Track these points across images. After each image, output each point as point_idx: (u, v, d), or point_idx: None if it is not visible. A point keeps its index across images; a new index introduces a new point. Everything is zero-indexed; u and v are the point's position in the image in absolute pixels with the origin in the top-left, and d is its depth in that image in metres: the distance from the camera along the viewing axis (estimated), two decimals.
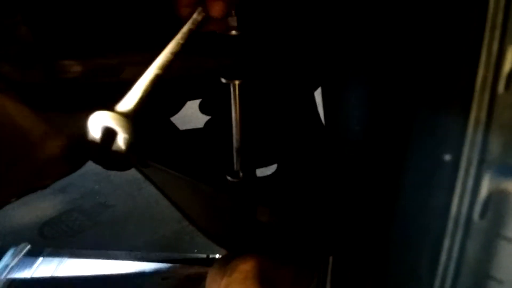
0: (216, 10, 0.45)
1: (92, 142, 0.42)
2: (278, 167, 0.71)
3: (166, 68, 0.41)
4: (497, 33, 0.30)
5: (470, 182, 0.33)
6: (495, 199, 0.32)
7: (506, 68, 0.30)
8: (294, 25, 0.60)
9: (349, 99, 0.53)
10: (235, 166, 0.59)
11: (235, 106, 0.54)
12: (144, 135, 0.67)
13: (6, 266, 1.05)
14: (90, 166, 0.69)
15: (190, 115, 0.77)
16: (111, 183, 1.51)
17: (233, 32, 0.48)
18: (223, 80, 0.52)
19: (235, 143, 0.57)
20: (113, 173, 0.72)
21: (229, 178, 0.59)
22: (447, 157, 0.35)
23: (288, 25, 0.58)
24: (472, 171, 0.33)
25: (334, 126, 0.62)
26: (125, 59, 0.46)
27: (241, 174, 0.60)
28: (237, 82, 0.51)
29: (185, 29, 0.43)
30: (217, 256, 1.06)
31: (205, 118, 0.73)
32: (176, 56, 0.41)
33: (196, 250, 1.23)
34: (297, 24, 0.60)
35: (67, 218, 1.46)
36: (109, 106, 0.56)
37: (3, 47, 0.45)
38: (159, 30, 0.48)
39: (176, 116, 0.77)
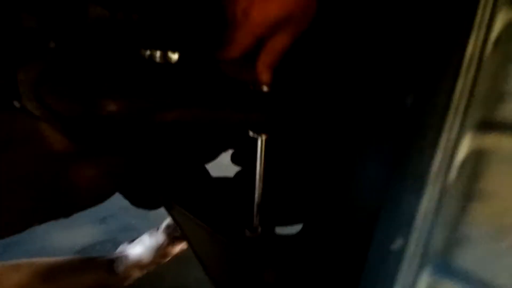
0: (264, 78, 0.48)
1: None
2: (303, 227, 0.69)
3: None
4: None
5: None
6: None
7: None
8: (325, 84, 0.60)
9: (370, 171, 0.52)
10: (254, 221, 0.59)
11: (260, 160, 0.54)
12: (174, 177, 0.69)
13: None
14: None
15: (227, 164, 0.78)
16: (148, 220, 1.53)
17: (265, 88, 0.49)
18: (251, 134, 0.52)
19: (256, 198, 0.57)
20: (152, 211, 0.75)
21: (247, 232, 0.59)
22: None
23: (319, 83, 0.58)
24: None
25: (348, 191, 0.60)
26: (158, 103, 0.48)
27: (259, 230, 0.59)
28: (264, 137, 0.52)
29: None
30: None
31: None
32: None
33: None
34: (328, 83, 0.61)
35: (101, 248, 1.49)
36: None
37: (51, 78, 0.49)
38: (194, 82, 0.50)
39: (214, 162, 0.78)
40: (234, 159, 0.71)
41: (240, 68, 0.51)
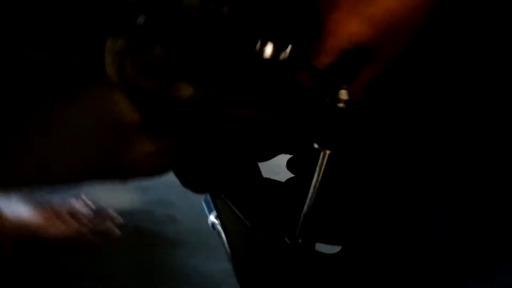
0: (357, 94, 0.48)
1: None
2: (343, 249, 0.68)
3: None
4: None
5: None
6: None
7: None
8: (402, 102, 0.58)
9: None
10: (297, 230, 0.58)
11: (319, 173, 0.53)
12: (226, 168, 0.70)
13: None
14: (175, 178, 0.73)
15: (282, 166, 0.78)
16: (187, 199, 1.56)
17: (340, 105, 0.48)
18: (316, 146, 0.52)
19: (305, 208, 0.56)
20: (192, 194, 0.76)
21: (287, 240, 0.58)
22: None
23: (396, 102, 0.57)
24: None
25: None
26: (232, 96, 0.48)
27: (300, 240, 0.58)
28: (328, 152, 0.51)
29: None
30: None
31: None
32: None
33: None
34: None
35: (138, 218, 1.54)
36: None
37: (136, 54, 0.50)
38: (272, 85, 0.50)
39: (268, 163, 0.78)
40: (290, 166, 0.70)
41: (315, 82, 0.50)
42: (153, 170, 0.59)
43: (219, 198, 0.66)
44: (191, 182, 0.73)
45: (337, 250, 0.67)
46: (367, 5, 0.43)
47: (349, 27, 0.44)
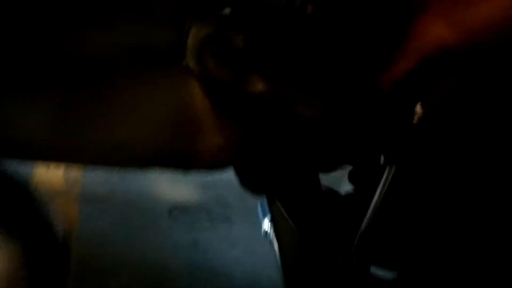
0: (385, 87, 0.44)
1: None
2: (399, 276, 0.63)
3: None
4: None
5: None
6: None
7: None
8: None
9: None
10: (352, 248, 0.54)
11: (382, 189, 0.50)
12: (286, 174, 0.68)
13: None
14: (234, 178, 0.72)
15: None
16: (245, 200, 1.56)
17: (414, 120, 0.45)
18: (382, 160, 0.48)
19: (363, 226, 0.53)
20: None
21: (341, 257, 0.55)
22: None
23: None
24: None
25: None
26: (302, 96, 0.47)
27: (354, 259, 0.55)
28: (394, 168, 0.48)
29: None
30: None
31: None
32: None
33: None
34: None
35: (194, 212, 1.56)
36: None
37: (218, 44, 0.50)
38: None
39: None
40: (351, 177, 0.67)
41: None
42: (216, 162, 0.59)
43: (274, 204, 0.64)
44: (249, 182, 0.71)
45: (393, 277, 0.63)
46: (463, 10, 0.40)
47: (436, 30, 0.41)
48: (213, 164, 0.57)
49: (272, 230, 0.73)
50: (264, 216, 0.89)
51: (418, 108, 0.44)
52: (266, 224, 1.17)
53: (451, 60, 0.42)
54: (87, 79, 0.50)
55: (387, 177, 0.49)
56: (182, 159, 0.55)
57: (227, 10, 0.55)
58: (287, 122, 0.54)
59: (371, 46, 0.46)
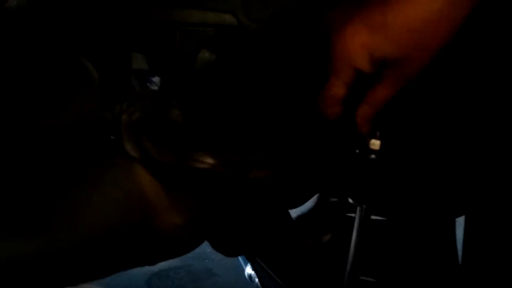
0: (363, 131, 0.43)
1: None
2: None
3: None
4: None
5: None
6: None
7: None
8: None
9: None
10: None
11: (357, 230, 0.49)
12: (258, 227, 0.67)
13: None
14: None
15: None
16: None
17: (372, 156, 0.45)
18: (351, 201, 0.48)
19: (348, 268, 0.52)
20: None
21: None
22: None
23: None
24: None
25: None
26: (253, 161, 0.46)
27: None
28: (364, 206, 0.48)
29: None
30: None
31: None
32: None
33: None
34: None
35: (174, 275, 1.50)
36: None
37: (152, 126, 0.49)
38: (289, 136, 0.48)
39: None
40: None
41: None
42: (187, 243, 0.56)
43: (254, 262, 0.63)
44: (222, 247, 0.70)
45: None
46: (381, 14, 0.37)
47: (360, 39, 0.38)
48: (183, 246, 0.55)
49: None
50: (246, 263, 0.87)
51: (375, 145, 0.44)
52: (249, 269, 1.14)
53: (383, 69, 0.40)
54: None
55: (359, 217, 0.48)
56: (147, 254, 0.52)
57: (156, 79, 0.54)
58: (243, 187, 0.54)
59: (303, 74, 0.45)
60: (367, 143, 0.46)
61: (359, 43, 0.38)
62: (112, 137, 0.50)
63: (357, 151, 0.46)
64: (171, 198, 0.52)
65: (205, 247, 1.63)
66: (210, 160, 0.45)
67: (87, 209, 0.48)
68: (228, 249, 0.67)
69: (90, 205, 0.49)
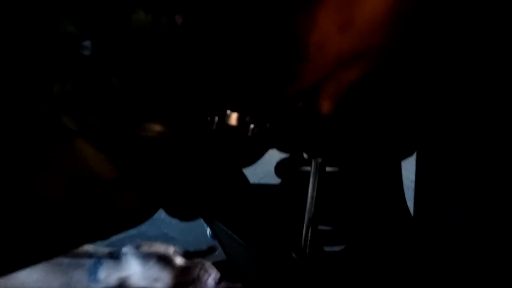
0: (326, 108, 0.44)
1: None
2: (347, 246, 0.65)
3: None
4: None
5: None
6: None
7: None
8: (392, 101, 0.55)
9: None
10: (303, 242, 0.55)
11: (313, 182, 0.50)
12: (212, 188, 0.66)
13: None
14: None
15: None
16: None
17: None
18: (305, 156, 0.48)
19: (307, 219, 0.53)
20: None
21: (294, 254, 0.55)
22: None
23: (385, 102, 0.54)
24: None
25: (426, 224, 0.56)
26: (204, 122, 0.44)
27: (307, 251, 0.55)
28: (319, 160, 0.48)
29: None
30: None
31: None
32: None
33: None
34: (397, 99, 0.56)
35: (130, 243, 1.49)
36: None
37: (91, 96, 0.45)
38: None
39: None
40: (278, 172, 0.67)
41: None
42: (141, 214, 0.55)
43: (212, 225, 0.62)
44: (177, 212, 0.69)
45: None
46: (349, 12, 0.38)
47: (333, 38, 0.39)
48: (137, 218, 0.53)
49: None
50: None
51: (325, 106, 0.44)
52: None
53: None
54: None
55: (314, 170, 0.49)
56: (101, 229, 0.50)
57: (87, 44, 0.50)
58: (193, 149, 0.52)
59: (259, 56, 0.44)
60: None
61: (332, 47, 0.39)
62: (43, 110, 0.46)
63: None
64: (119, 169, 0.49)
65: (158, 212, 1.62)
66: (158, 128, 0.43)
67: (30, 195, 0.45)
68: (184, 214, 0.66)
69: (32, 190, 0.45)
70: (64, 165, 0.47)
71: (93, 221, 0.49)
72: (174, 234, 1.50)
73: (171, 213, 0.67)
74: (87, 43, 0.51)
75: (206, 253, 1.04)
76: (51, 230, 0.46)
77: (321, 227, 0.60)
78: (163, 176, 0.53)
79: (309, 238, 0.54)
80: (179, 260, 0.98)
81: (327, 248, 0.63)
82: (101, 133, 0.45)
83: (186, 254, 1.02)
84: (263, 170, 0.87)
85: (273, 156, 0.68)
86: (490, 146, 0.48)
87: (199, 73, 0.47)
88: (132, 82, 0.45)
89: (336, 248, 0.65)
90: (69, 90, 0.46)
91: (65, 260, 0.92)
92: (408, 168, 0.73)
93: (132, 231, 1.45)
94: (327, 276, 0.56)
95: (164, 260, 0.96)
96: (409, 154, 0.67)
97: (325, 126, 0.46)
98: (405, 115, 0.57)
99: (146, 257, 0.95)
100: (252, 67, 0.45)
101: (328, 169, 0.55)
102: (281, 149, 0.60)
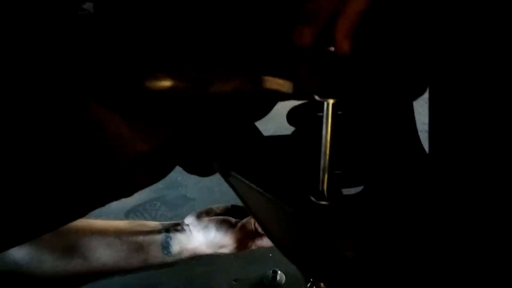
0: (344, 47, 0.43)
1: None
2: (365, 187, 0.65)
3: None
4: None
5: None
6: None
7: None
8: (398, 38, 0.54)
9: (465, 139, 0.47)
10: (321, 186, 0.55)
11: (327, 125, 0.50)
12: (227, 141, 0.66)
13: None
14: None
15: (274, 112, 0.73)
16: (194, 176, 1.53)
17: (332, 48, 0.44)
18: (317, 98, 0.48)
19: (322, 163, 0.53)
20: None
21: (313, 198, 0.56)
22: None
23: (393, 38, 0.52)
24: None
25: (442, 157, 0.56)
26: (215, 73, 0.43)
27: (326, 195, 0.56)
28: (331, 101, 0.47)
29: None
30: None
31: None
32: None
33: (271, 255, 1.22)
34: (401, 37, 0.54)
35: (150, 207, 1.52)
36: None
37: (100, 54, 0.45)
38: (254, 47, 0.45)
39: None
40: (291, 120, 0.67)
41: None
42: (158, 170, 0.55)
43: (230, 176, 0.63)
44: (195, 167, 0.69)
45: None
46: None
47: None
48: (155, 174, 0.53)
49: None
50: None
51: (344, 46, 0.43)
52: None
53: None
54: None
55: (326, 112, 0.48)
56: (121, 187, 0.51)
57: (87, 6, 0.49)
58: (207, 103, 0.52)
59: None
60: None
61: None
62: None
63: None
64: (132, 127, 0.49)
65: (176, 176, 1.65)
66: (169, 79, 0.42)
67: (43, 161, 0.45)
68: (202, 169, 0.66)
69: (45, 155, 0.45)
70: (75, 128, 0.47)
71: (112, 178, 0.49)
72: (193, 195, 1.53)
73: (188, 169, 0.68)
74: (87, 5, 0.50)
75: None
76: (70, 191, 0.46)
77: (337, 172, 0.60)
78: (179, 132, 0.54)
79: (326, 181, 0.55)
80: (234, 221, 1.04)
81: (345, 192, 0.64)
82: (109, 91, 0.45)
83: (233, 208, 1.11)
84: (274, 125, 0.87)
85: (282, 110, 0.68)
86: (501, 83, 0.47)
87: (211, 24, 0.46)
88: (137, 36, 0.44)
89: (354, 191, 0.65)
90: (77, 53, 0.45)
91: (140, 238, 1.01)
92: (421, 112, 0.73)
93: (152, 195, 1.48)
94: (348, 218, 0.57)
95: (224, 226, 1.02)
96: (420, 93, 0.66)
97: (338, 64, 0.45)
98: (414, 50, 0.56)
99: (207, 227, 1.02)
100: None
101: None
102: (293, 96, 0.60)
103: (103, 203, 0.51)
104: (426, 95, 0.68)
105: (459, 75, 0.56)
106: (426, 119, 0.69)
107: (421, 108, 0.75)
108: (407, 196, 0.62)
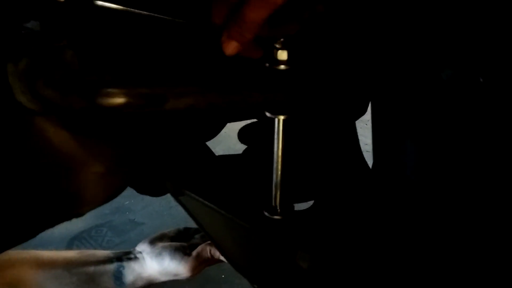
0: (228, 50, 0.43)
1: None
2: (315, 202, 0.68)
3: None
4: None
5: None
6: None
7: None
8: (345, 58, 0.57)
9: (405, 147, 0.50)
10: (273, 201, 0.57)
11: (278, 141, 0.51)
12: (180, 160, 0.66)
13: None
14: None
15: (222, 135, 0.74)
16: (142, 200, 1.50)
17: (282, 67, 0.46)
18: (268, 114, 0.50)
19: (274, 178, 0.55)
20: None
21: (266, 213, 0.57)
22: None
23: (339, 58, 0.56)
24: None
25: (385, 170, 0.59)
26: (169, 90, 0.44)
27: (279, 210, 0.57)
28: (282, 117, 0.49)
29: None
30: None
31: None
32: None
33: (223, 276, 1.21)
34: (348, 57, 0.58)
35: (96, 234, 1.46)
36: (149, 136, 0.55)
37: (47, 70, 0.44)
38: (206, 63, 0.47)
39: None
40: (242, 138, 0.68)
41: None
42: (111, 189, 0.54)
43: (182, 195, 0.63)
44: (147, 187, 0.69)
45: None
46: None
47: None
48: (107, 194, 0.52)
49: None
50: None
51: (282, 55, 0.44)
52: None
53: None
54: None
55: (277, 128, 0.50)
56: (72, 207, 0.49)
57: (32, 25, 0.48)
58: (160, 121, 0.52)
59: None
60: (274, 55, 0.47)
61: None
62: None
63: (267, 64, 0.47)
64: (85, 147, 0.48)
65: (123, 200, 1.60)
66: (121, 96, 0.42)
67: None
68: (154, 189, 0.66)
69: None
70: (26, 147, 0.46)
71: (63, 199, 0.48)
72: (141, 220, 1.48)
73: (139, 189, 0.67)
74: (30, 24, 0.50)
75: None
76: (18, 212, 0.45)
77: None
78: (131, 151, 0.53)
79: (278, 197, 0.56)
80: (188, 247, 1.01)
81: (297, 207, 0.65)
82: (61, 109, 0.44)
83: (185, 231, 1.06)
84: (222, 148, 0.88)
85: (230, 133, 0.70)
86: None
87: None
88: (87, 53, 0.44)
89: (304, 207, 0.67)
90: (23, 68, 0.44)
91: (90, 269, 0.93)
92: (362, 133, 0.77)
93: (98, 221, 1.43)
94: (301, 230, 0.59)
95: (178, 253, 0.97)
96: (361, 113, 0.70)
97: (287, 81, 0.47)
98: (356, 73, 0.60)
99: (160, 254, 0.97)
100: None
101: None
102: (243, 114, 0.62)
103: (53, 223, 0.50)
104: (366, 117, 0.73)
105: (399, 98, 0.60)
106: (367, 140, 0.73)
107: (361, 129, 0.79)
108: (355, 208, 0.65)
